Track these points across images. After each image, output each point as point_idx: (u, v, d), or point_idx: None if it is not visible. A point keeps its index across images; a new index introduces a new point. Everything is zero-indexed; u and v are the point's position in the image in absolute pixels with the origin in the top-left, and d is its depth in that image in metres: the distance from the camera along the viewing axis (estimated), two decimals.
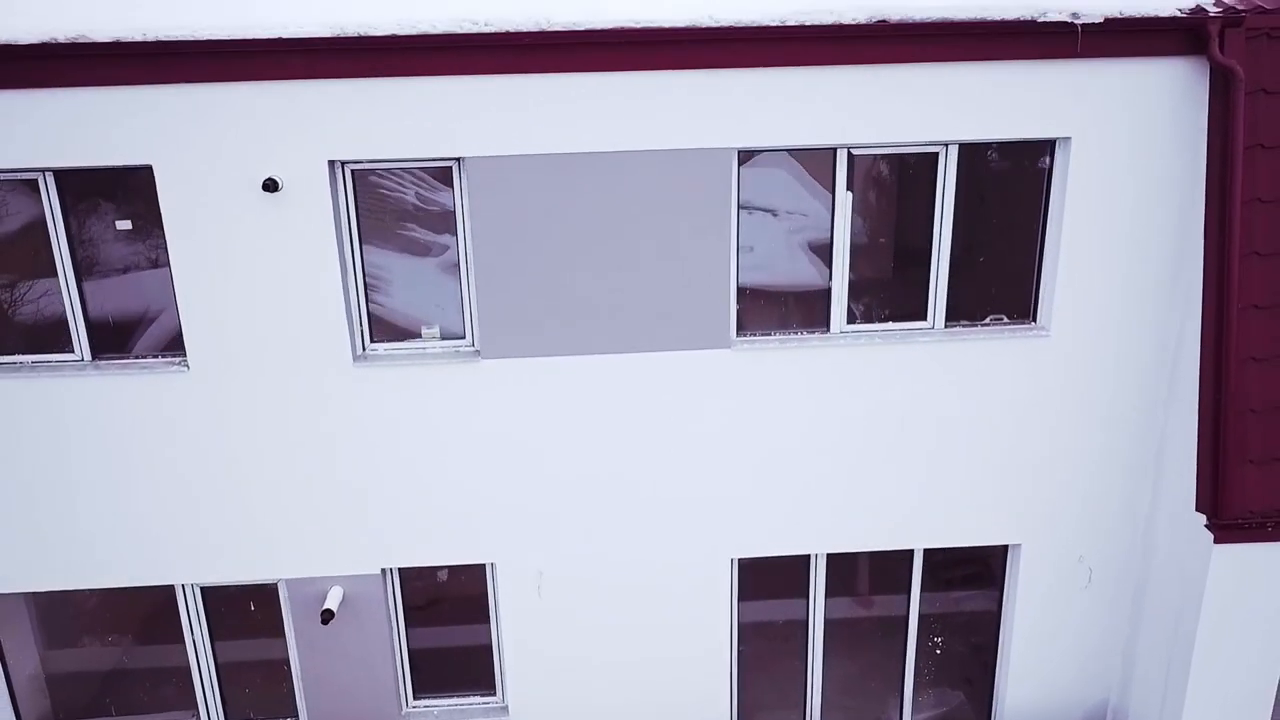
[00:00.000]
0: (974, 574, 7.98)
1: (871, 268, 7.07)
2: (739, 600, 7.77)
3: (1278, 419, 6.58)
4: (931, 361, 7.05)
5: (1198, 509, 6.76)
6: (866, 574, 8.05)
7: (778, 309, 7.08)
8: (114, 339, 6.81)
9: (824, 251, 6.88)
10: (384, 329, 6.90)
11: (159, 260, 6.59)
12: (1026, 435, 7.26)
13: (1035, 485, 7.40)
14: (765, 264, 6.94)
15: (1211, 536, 6.64)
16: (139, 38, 5.88)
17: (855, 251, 6.89)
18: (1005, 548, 7.74)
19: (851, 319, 7.03)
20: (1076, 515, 7.50)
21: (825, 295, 6.97)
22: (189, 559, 7.24)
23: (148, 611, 7.72)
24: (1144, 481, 7.38)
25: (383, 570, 7.39)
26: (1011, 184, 6.88)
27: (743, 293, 6.94)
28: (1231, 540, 6.62)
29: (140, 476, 6.96)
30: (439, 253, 6.82)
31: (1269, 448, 6.58)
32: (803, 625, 7.99)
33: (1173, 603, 7.17)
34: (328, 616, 7.12)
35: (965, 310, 7.10)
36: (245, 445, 6.92)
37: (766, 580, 7.82)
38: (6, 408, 6.73)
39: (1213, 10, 6.22)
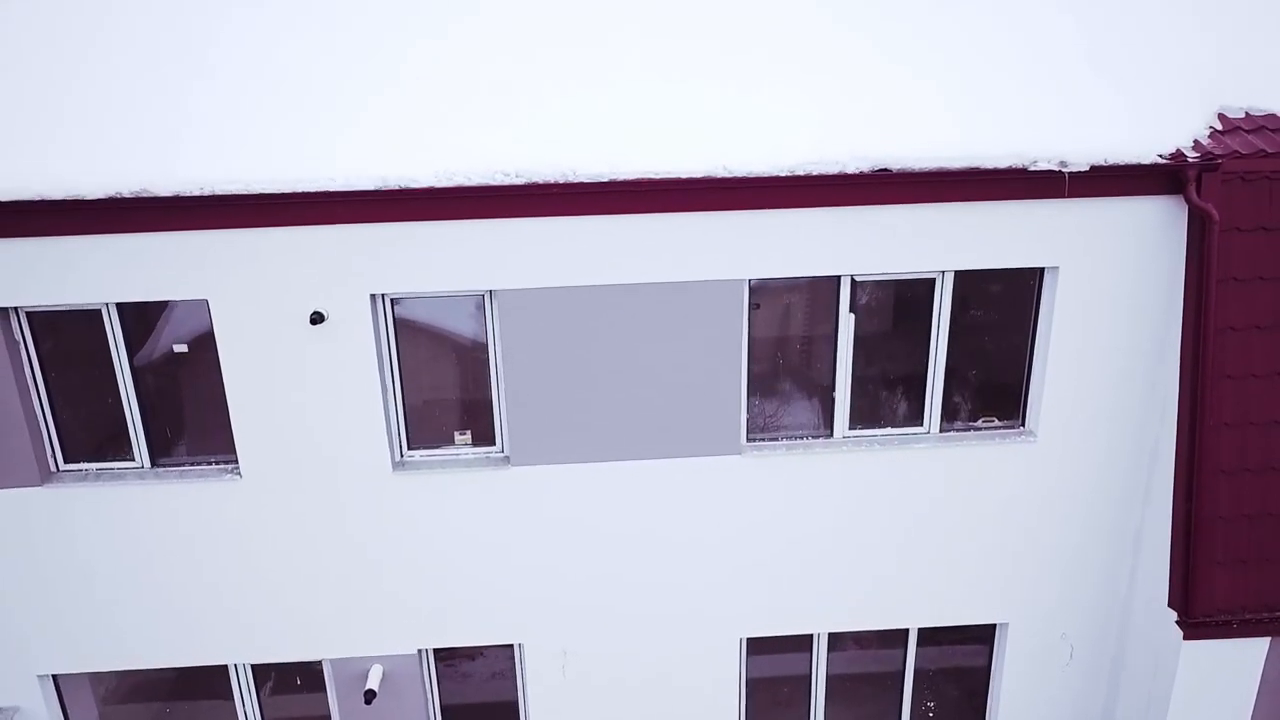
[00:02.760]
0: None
1: (873, 378, 7.59)
2: (747, 655, 8.40)
3: (1244, 526, 7.13)
4: (927, 462, 7.59)
5: (1170, 605, 7.34)
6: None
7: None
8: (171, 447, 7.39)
9: None
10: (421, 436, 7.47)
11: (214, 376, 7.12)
12: (1014, 528, 7.83)
13: (1022, 572, 7.98)
14: None
15: (1181, 633, 7.23)
16: (196, 192, 6.35)
17: (857, 362, 7.42)
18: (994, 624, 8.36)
19: (853, 425, 7.58)
20: (1059, 600, 8.09)
21: (830, 403, 7.52)
22: (240, 641, 7.84)
23: (201, 674, 8.31)
24: (1122, 574, 7.95)
25: (419, 650, 8.01)
26: (1004, 303, 7.38)
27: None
28: (1200, 637, 7.21)
29: (197, 570, 7.53)
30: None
31: (1236, 552, 7.13)
32: (805, 680, 8.63)
33: (1146, 684, 7.78)
34: (370, 696, 7.73)
35: (959, 414, 7.64)
36: (293, 543, 7.49)
37: (774, 643, 8.43)
38: (76, 511, 7.29)
39: (1191, 156, 6.68)
